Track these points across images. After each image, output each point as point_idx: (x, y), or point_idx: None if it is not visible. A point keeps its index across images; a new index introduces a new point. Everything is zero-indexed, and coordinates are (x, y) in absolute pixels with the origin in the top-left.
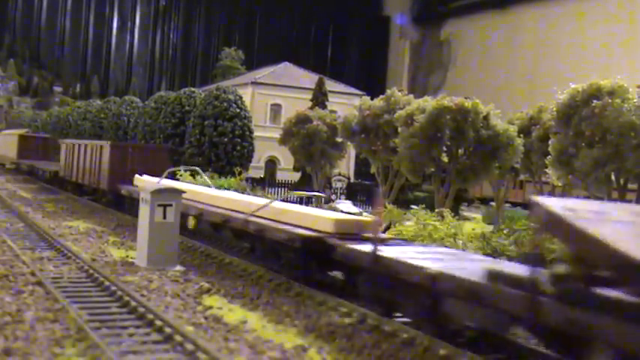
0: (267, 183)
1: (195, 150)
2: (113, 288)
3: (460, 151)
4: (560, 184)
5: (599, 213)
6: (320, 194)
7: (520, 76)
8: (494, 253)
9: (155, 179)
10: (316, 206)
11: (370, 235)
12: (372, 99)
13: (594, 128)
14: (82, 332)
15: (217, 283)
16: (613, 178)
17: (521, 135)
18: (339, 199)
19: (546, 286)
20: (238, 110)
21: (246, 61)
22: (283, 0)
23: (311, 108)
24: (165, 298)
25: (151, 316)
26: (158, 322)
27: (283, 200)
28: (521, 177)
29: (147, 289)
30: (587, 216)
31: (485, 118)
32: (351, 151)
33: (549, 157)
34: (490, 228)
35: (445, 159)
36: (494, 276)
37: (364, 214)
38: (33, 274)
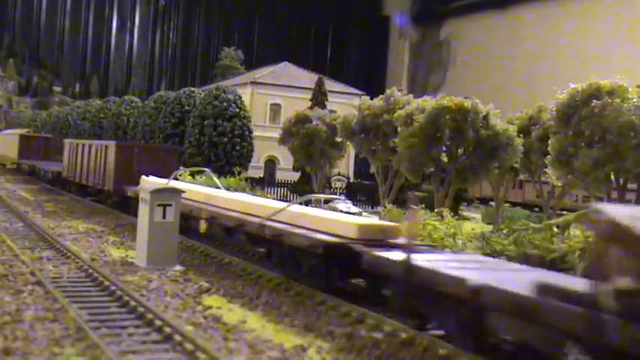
0: (266, 183)
1: (195, 150)
2: (112, 288)
3: (460, 150)
4: (559, 184)
5: None
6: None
7: (520, 76)
8: (494, 253)
9: (162, 181)
10: (315, 206)
11: (399, 241)
12: (371, 99)
13: (594, 128)
14: (81, 332)
15: (217, 282)
16: (612, 177)
17: (521, 135)
18: (339, 199)
19: (608, 302)
20: (238, 110)
21: (245, 60)
22: (283, 0)
23: (310, 108)
24: (164, 298)
25: (150, 316)
26: (157, 322)
27: (300, 203)
28: (521, 177)
29: (146, 288)
30: None
31: (485, 117)
32: (351, 151)
33: (549, 156)
34: (490, 228)
35: (445, 159)
36: (544, 290)
37: (363, 213)
38: (32, 273)
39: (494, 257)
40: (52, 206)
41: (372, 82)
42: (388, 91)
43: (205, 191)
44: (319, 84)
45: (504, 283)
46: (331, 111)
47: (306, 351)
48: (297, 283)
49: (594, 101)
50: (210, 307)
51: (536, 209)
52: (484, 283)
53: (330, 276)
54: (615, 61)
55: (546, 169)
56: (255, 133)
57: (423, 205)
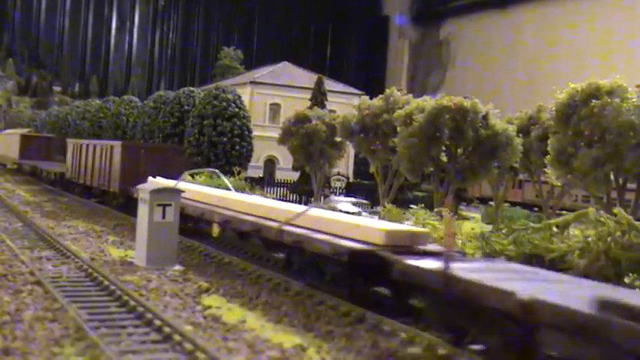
0: (266, 182)
1: (194, 149)
2: (112, 287)
3: (459, 150)
4: (559, 184)
5: None
6: (363, 201)
7: (519, 76)
8: (494, 253)
9: (170, 182)
10: (315, 207)
11: (428, 248)
12: (371, 98)
13: (593, 128)
14: (80, 332)
15: (216, 282)
16: (612, 177)
17: (520, 134)
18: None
19: None
20: (237, 110)
21: (245, 60)
22: None
23: (310, 107)
24: (164, 298)
25: (149, 316)
26: (157, 322)
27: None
28: (520, 176)
29: (146, 288)
30: None
31: (485, 117)
32: (350, 151)
33: (548, 156)
34: (489, 227)
35: (444, 158)
36: (607, 306)
37: (363, 213)
38: (32, 273)
39: (493, 257)
40: (52, 206)
41: (371, 81)
42: (388, 91)
43: (218, 193)
44: (319, 84)
45: (557, 296)
46: (331, 111)
47: (305, 351)
48: (320, 291)
49: (594, 101)
50: (209, 307)
51: (536, 209)
52: (535, 297)
53: (355, 285)
54: (615, 60)
55: (546, 169)
56: (255, 133)
57: (423, 205)
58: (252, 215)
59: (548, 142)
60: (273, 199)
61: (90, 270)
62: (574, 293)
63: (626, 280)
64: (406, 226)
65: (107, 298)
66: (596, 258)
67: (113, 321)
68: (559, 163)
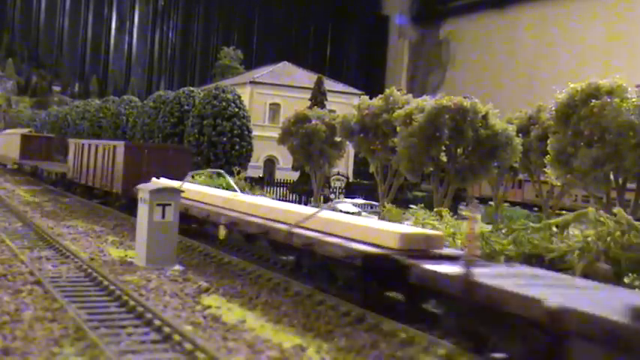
0: (265, 182)
1: (194, 149)
2: (112, 287)
3: (459, 150)
4: (558, 184)
5: None
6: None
7: (519, 76)
8: (493, 253)
9: (174, 183)
10: (316, 207)
11: (444, 251)
12: (370, 98)
13: (593, 128)
14: (80, 331)
15: (216, 282)
16: (612, 177)
17: (520, 134)
18: (338, 198)
19: None
20: (237, 110)
21: (244, 60)
22: None
23: (310, 107)
24: (164, 298)
25: (149, 316)
26: (157, 322)
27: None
28: (520, 176)
29: (145, 288)
30: None
31: (484, 117)
32: (350, 151)
33: (548, 156)
34: (489, 227)
35: (444, 158)
36: None
37: (362, 213)
38: (31, 273)
39: (493, 257)
40: (52, 206)
41: (371, 81)
42: (387, 91)
43: (224, 195)
44: (318, 83)
45: (587, 304)
46: (330, 111)
47: (305, 350)
48: (331, 296)
49: (593, 101)
50: (209, 307)
51: (536, 209)
52: (564, 305)
53: (369, 289)
54: (614, 60)
55: (545, 169)
56: (255, 133)
57: (422, 205)
58: (259, 217)
59: (548, 141)
60: (273, 198)
61: (89, 270)
62: (604, 301)
63: (626, 280)
64: (421, 230)
65: (107, 298)
66: (595, 258)
67: (113, 321)
68: (559, 162)
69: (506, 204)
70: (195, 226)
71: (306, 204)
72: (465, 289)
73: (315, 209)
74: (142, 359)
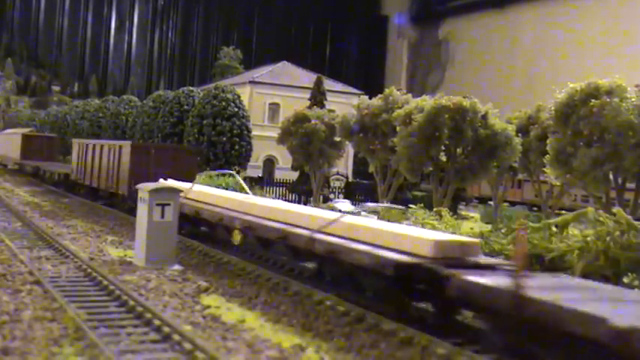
0: (265, 182)
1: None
2: (111, 287)
3: (458, 150)
4: (558, 184)
5: None
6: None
7: (518, 76)
8: (493, 253)
9: (184, 184)
10: (315, 206)
11: (482, 260)
12: (370, 98)
13: (592, 127)
14: (80, 331)
15: (215, 282)
16: (611, 177)
17: (520, 134)
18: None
19: None
20: (237, 109)
21: (244, 60)
22: None
23: (309, 107)
24: (163, 298)
25: (149, 315)
26: (156, 322)
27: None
28: (520, 176)
29: (145, 288)
30: None
31: (484, 117)
32: (350, 151)
33: (547, 156)
34: (488, 227)
35: (443, 158)
36: None
37: (362, 213)
38: (31, 273)
39: (492, 257)
40: (52, 206)
41: (370, 81)
42: (387, 91)
43: (238, 197)
44: (318, 83)
45: None
46: (330, 110)
47: (304, 350)
48: (357, 306)
49: (593, 101)
50: (208, 307)
51: (535, 208)
52: (635, 325)
53: (400, 301)
54: (614, 60)
55: (545, 169)
56: (254, 133)
57: (422, 205)
58: (277, 221)
59: (548, 141)
60: (273, 198)
61: (89, 270)
62: None
63: (625, 279)
64: (456, 236)
65: (106, 298)
66: (595, 258)
67: (112, 321)
68: (558, 162)
69: (505, 204)
70: (205, 229)
71: (305, 204)
72: (515, 304)
73: (338, 214)
74: (141, 359)
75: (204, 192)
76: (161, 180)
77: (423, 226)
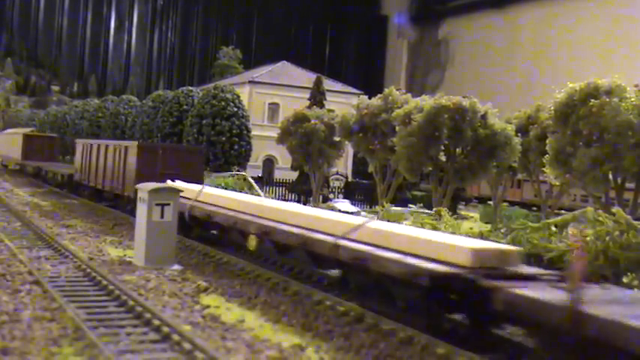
0: (265, 182)
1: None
2: (111, 287)
3: (458, 150)
4: (557, 183)
5: None
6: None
7: (518, 76)
8: None
9: (193, 186)
10: (314, 206)
11: (523, 270)
12: (369, 98)
13: (592, 127)
14: (79, 331)
15: (215, 282)
16: (610, 177)
17: (519, 134)
18: (337, 198)
19: None
20: (236, 109)
21: (244, 60)
22: None
23: (309, 107)
24: (162, 297)
25: (148, 315)
26: (156, 321)
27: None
28: (519, 176)
29: (144, 288)
30: None
31: (483, 117)
32: (349, 151)
33: (547, 156)
34: (488, 227)
35: (443, 158)
36: None
37: (362, 213)
38: (30, 273)
39: None
40: (51, 206)
41: (370, 81)
42: (386, 91)
43: (253, 200)
44: (317, 83)
45: None
46: (329, 110)
47: (304, 350)
48: (384, 317)
49: (592, 100)
50: (208, 307)
51: (535, 208)
52: None
53: (434, 313)
54: (614, 60)
55: (544, 169)
56: (254, 132)
57: (421, 204)
58: (296, 226)
59: (547, 141)
60: (272, 198)
61: (88, 270)
62: None
63: (625, 279)
64: (494, 244)
65: (106, 298)
66: (594, 258)
67: (111, 320)
68: (557, 162)
69: (505, 204)
70: (215, 232)
71: (305, 204)
72: (572, 320)
73: (364, 219)
74: (140, 359)
75: (216, 194)
76: (169, 181)
77: (422, 225)
